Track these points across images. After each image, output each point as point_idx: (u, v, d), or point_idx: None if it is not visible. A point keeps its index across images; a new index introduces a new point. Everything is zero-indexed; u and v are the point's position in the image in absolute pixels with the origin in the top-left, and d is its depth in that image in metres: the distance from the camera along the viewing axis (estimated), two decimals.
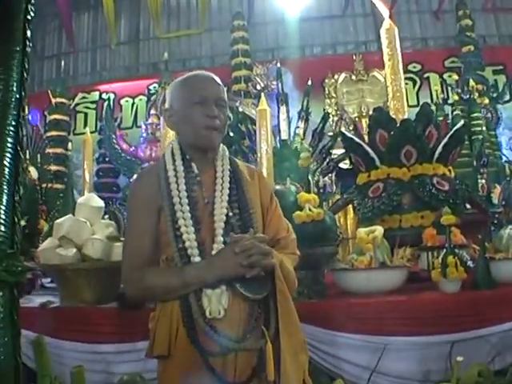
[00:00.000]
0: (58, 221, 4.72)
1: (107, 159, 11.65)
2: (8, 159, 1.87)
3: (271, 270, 2.45)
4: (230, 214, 2.57)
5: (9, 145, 1.87)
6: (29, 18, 2.07)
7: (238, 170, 2.72)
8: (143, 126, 12.06)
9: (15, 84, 1.94)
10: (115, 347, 4.04)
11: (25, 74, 1.99)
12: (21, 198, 1.89)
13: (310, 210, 4.02)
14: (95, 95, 15.95)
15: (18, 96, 1.93)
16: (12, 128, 1.89)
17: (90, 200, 4.89)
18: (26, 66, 2.01)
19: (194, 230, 2.47)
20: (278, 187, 4.42)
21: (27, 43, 2.04)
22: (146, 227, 2.55)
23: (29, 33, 2.07)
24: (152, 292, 2.50)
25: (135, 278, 2.50)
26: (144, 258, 2.52)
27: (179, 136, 2.72)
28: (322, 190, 6.05)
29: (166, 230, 2.50)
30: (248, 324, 2.46)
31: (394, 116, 5.37)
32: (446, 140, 5.00)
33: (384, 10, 5.84)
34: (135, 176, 2.78)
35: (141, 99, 15.36)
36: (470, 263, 4.22)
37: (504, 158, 9.30)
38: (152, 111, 11.97)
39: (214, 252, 2.47)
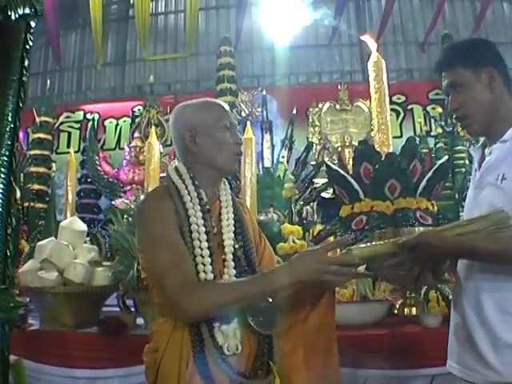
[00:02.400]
0: (40, 243, 4.72)
1: (89, 180, 11.59)
2: (0, 190, 1.84)
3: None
4: (236, 245, 2.58)
5: (2, 175, 1.84)
6: (27, 47, 2.07)
7: (237, 202, 2.76)
8: (126, 149, 12.03)
9: (10, 114, 1.91)
10: (95, 373, 4.02)
11: (20, 104, 1.97)
12: (13, 230, 1.85)
13: (293, 241, 4.05)
14: (79, 115, 15.88)
15: (12, 126, 1.91)
16: (5, 158, 1.85)
17: (73, 223, 4.90)
18: (22, 96, 1.99)
19: (210, 261, 2.44)
20: (261, 218, 4.43)
21: (24, 72, 2.04)
22: (180, 241, 2.45)
23: (27, 62, 2.06)
24: (215, 303, 2.33)
25: (195, 291, 2.34)
26: (192, 270, 2.41)
27: (198, 157, 2.64)
28: (304, 221, 6.05)
29: None
30: (258, 359, 2.46)
31: (378, 149, 5.38)
32: (430, 174, 5.02)
33: (372, 44, 5.86)
34: (145, 198, 2.71)
35: (125, 121, 15.29)
36: (451, 297, 4.24)
37: None
38: (136, 134, 11.94)
39: None
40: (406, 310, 4.10)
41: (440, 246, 2.42)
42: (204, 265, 2.42)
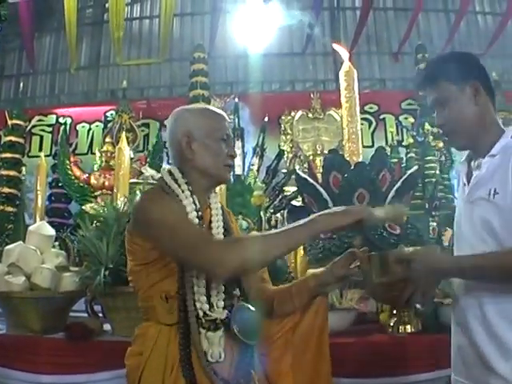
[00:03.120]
0: (8, 247, 4.69)
1: (60, 184, 11.53)
2: None
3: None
4: None
5: None
6: None
7: (225, 211, 2.82)
8: (98, 154, 11.98)
9: None
10: (61, 378, 4.00)
11: None
12: None
13: None
14: (52, 118, 15.71)
15: None
16: None
17: (42, 228, 4.87)
18: None
19: None
20: None
21: None
22: (189, 220, 2.52)
23: None
24: (271, 252, 2.40)
25: (228, 246, 2.40)
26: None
27: (192, 164, 2.67)
28: (273, 229, 6.06)
29: (171, 263, 2.47)
30: (240, 368, 2.49)
31: (348, 158, 5.42)
32: (399, 184, 5.05)
33: (344, 53, 5.89)
34: (144, 197, 2.68)
35: (97, 126, 15.13)
36: (419, 307, 4.26)
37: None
38: (107, 139, 11.89)
39: (213, 291, 2.50)
40: (400, 327, 4.11)
41: (439, 265, 2.46)
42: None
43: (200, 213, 2.59)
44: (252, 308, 2.57)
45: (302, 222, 2.44)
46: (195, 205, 2.58)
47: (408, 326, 4.12)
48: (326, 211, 2.53)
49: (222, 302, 2.53)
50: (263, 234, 2.49)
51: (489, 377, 2.50)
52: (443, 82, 2.75)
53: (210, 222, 2.67)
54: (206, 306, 2.46)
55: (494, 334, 2.50)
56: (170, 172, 2.69)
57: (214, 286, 2.50)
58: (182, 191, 2.59)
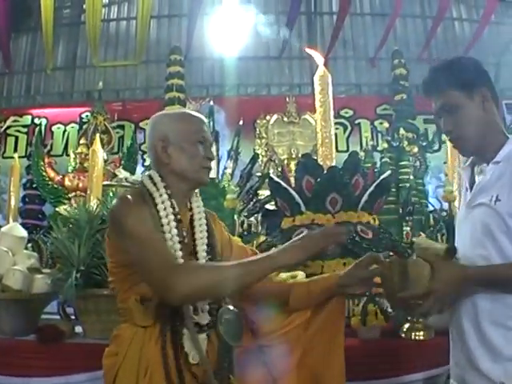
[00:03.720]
0: None
1: (34, 186, 11.48)
2: None
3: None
4: (206, 257, 2.65)
5: None
6: None
7: (207, 213, 2.82)
8: (72, 155, 11.95)
9: None
10: (32, 381, 3.99)
11: None
12: None
13: None
14: (27, 119, 15.57)
15: None
16: None
17: (14, 229, 4.85)
18: None
19: None
20: None
21: None
22: (162, 238, 2.50)
23: None
24: (208, 282, 2.36)
25: (184, 272, 2.37)
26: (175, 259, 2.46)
27: (170, 168, 2.69)
28: (245, 232, 6.06)
29: None
30: (218, 372, 2.50)
31: (322, 162, 5.42)
32: (372, 189, 5.06)
33: (319, 58, 5.90)
34: (121, 201, 2.67)
35: (73, 127, 15.02)
36: (390, 311, 4.29)
37: (430, 207, 9.44)
38: (82, 141, 11.86)
39: None
40: (413, 334, 4.13)
41: (464, 276, 2.48)
42: None
43: (178, 216, 2.61)
44: (236, 310, 2.59)
45: (264, 255, 2.50)
46: (173, 208, 2.61)
47: (421, 333, 4.13)
48: (290, 245, 2.54)
49: (207, 306, 2.57)
50: (223, 265, 2.45)
51: (481, 381, 2.54)
52: (451, 89, 2.79)
53: (192, 225, 2.70)
54: (190, 309, 2.49)
55: (487, 339, 2.53)
56: (149, 176, 2.71)
57: None
58: (160, 195, 2.61)
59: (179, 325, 2.45)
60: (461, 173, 3.06)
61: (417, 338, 4.09)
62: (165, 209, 2.58)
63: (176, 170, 2.68)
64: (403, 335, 4.13)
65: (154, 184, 2.66)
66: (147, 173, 2.79)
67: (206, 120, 2.86)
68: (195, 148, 2.68)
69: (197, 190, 2.80)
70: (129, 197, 2.64)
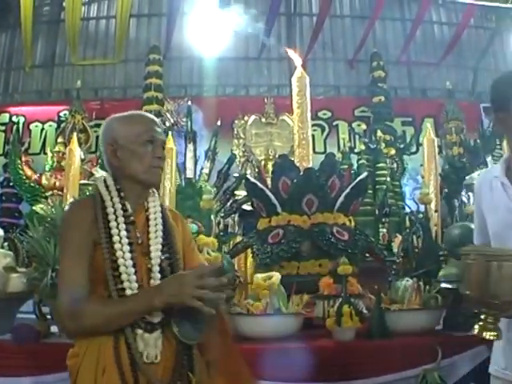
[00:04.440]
0: None
1: (11, 184, 11.42)
2: None
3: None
4: (162, 256, 2.62)
5: None
6: None
7: (166, 214, 2.79)
8: (49, 154, 11.89)
9: None
10: (7, 381, 3.96)
11: None
12: None
13: (208, 253, 4.06)
14: (5, 117, 15.46)
15: None
16: None
17: None
18: None
19: (134, 271, 2.49)
20: None
21: None
22: (83, 259, 2.50)
23: None
24: (94, 322, 2.40)
25: (77, 311, 2.40)
26: (83, 291, 2.46)
27: (121, 170, 2.69)
28: (221, 233, 6.07)
29: (101, 268, 2.48)
30: (177, 370, 2.49)
31: (298, 164, 5.45)
32: (348, 190, 5.09)
33: (297, 59, 5.92)
34: (68, 207, 2.72)
35: (50, 125, 14.97)
36: (365, 312, 4.31)
37: (407, 209, 9.46)
38: (60, 139, 11.80)
39: None
40: (486, 333, 4.12)
41: None
42: (128, 274, 2.48)
43: (131, 218, 2.62)
44: (193, 309, 2.58)
45: (144, 292, 2.48)
46: (125, 210, 2.62)
47: (493, 333, 4.11)
48: (165, 286, 2.48)
49: None
50: (108, 302, 2.46)
51: None
52: None
53: (148, 225, 2.68)
54: None
55: None
56: (104, 180, 2.73)
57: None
58: (111, 198, 2.63)
59: (133, 324, 2.46)
60: (495, 168, 3.01)
61: (490, 337, 4.10)
62: (114, 212, 2.59)
63: (126, 173, 2.68)
64: (475, 332, 4.11)
65: (107, 187, 2.68)
66: (103, 176, 2.79)
67: (157, 120, 2.85)
68: (144, 148, 2.67)
69: (166, 189, 2.82)
70: (76, 203, 2.77)
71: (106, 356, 2.41)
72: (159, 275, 2.56)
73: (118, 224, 2.57)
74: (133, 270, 2.49)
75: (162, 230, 2.69)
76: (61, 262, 2.60)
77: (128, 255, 2.51)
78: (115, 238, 2.52)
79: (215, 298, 2.42)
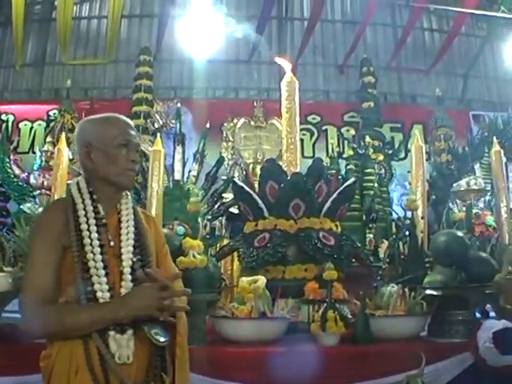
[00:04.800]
0: None
1: None
2: None
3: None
4: (134, 259, 2.61)
5: None
6: None
7: (139, 216, 2.79)
8: (38, 153, 11.85)
9: None
10: None
11: None
12: None
13: (193, 256, 4.06)
14: None
15: None
16: None
17: None
18: None
19: (104, 273, 2.48)
20: (164, 231, 4.42)
21: None
22: (50, 263, 2.49)
23: None
24: (59, 329, 2.41)
25: (41, 315, 2.41)
26: (48, 295, 2.45)
27: (94, 172, 2.68)
28: (207, 236, 6.07)
29: (71, 270, 2.47)
30: (150, 370, 2.50)
31: (286, 168, 5.46)
32: (335, 196, 5.10)
33: (286, 64, 5.93)
34: (41, 209, 2.73)
35: (40, 124, 14.97)
36: (350, 318, 4.32)
37: (394, 214, 9.47)
38: (48, 138, 11.76)
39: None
40: None
41: None
42: (99, 276, 2.47)
43: (103, 220, 2.62)
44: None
45: (110, 303, 2.47)
46: (97, 213, 2.62)
47: None
48: (130, 298, 2.48)
49: None
50: (74, 310, 2.45)
51: None
52: None
53: (120, 227, 2.68)
54: None
55: None
56: (77, 183, 2.73)
57: (123, 290, 2.53)
58: (83, 201, 2.63)
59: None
60: None
61: None
62: (86, 214, 2.59)
63: (100, 175, 2.68)
64: None
65: (79, 190, 2.67)
66: (77, 179, 2.78)
67: (131, 123, 2.84)
68: (117, 152, 2.67)
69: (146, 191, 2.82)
70: (48, 207, 2.80)
71: (78, 357, 2.41)
72: (130, 277, 2.55)
73: (89, 226, 2.57)
74: (103, 272, 2.49)
75: (134, 233, 2.69)
76: (28, 265, 2.61)
77: (99, 257, 2.51)
78: (86, 241, 2.52)
79: (179, 308, 2.52)
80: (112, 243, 2.60)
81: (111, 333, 2.42)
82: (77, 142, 2.76)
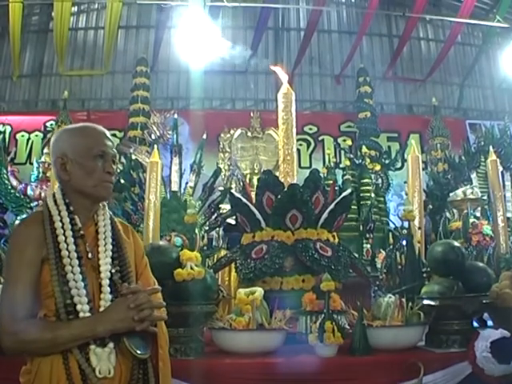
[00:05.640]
0: None
1: None
2: None
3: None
4: (113, 270, 2.57)
5: None
6: None
7: (117, 227, 2.74)
8: (35, 164, 11.85)
9: None
10: None
11: None
12: None
13: (191, 267, 4.06)
14: None
15: None
16: None
17: None
18: None
19: (83, 285, 2.44)
20: (161, 243, 4.42)
21: None
22: (27, 277, 2.44)
23: None
24: (37, 345, 2.36)
25: (17, 330, 2.34)
26: (26, 310, 2.40)
27: (70, 184, 2.61)
28: (205, 247, 6.08)
29: (50, 283, 2.42)
30: (134, 382, 2.47)
31: (283, 179, 5.46)
32: (332, 206, 5.10)
33: (283, 75, 5.94)
34: (17, 223, 2.70)
35: (37, 135, 15.03)
36: (347, 328, 4.31)
37: (391, 224, 9.46)
38: (46, 150, 11.77)
39: (101, 308, 2.45)
40: None
41: None
42: (78, 289, 2.43)
43: (81, 232, 2.57)
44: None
45: (87, 320, 2.42)
46: (74, 225, 2.58)
47: None
48: (107, 312, 2.46)
49: None
50: (52, 326, 2.43)
51: None
52: None
53: (97, 239, 2.64)
54: None
55: None
56: (53, 194, 2.67)
57: (102, 303, 2.49)
58: (59, 212, 2.58)
59: None
60: None
61: None
62: (63, 226, 2.54)
63: (75, 187, 2.62)
64: None
65: (55, 201, 2.61)
66: (53, 191, 2.74)
67: (107, 133, 2.77)
68: (94, 163, 2.61)
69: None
70: (25, 219, 2.68)
71: (59, 372, 2.36)
72: (109, 289, 2.51)
73: (66, 238, 2.51)
74: (82, 284, 2.44)
75: (111, 243, 2.65)
76: (5, 279, 2.52)
77: (77, 269, 2.46)
78: (63, 253, 2.47)
79: (157, 318, 2.49)
80: (90, 255, 2.56)
81: (92, 347, 2.39)
82: (52, 153, 2.71)
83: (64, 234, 2.51)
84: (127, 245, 2.73)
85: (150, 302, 2.43)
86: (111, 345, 2.41)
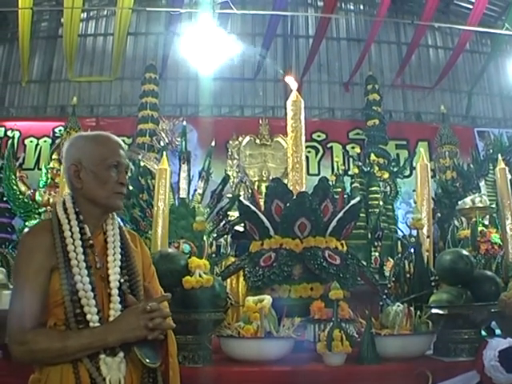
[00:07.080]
0: None
1: (4, 199, 11.38)
2: None
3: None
4: (122, 280, 2.56)
5: None
6: None
7: (125, 236, 2.74)
8: (44, 170, 11.88)
9: None
10: None
11: None
12: None
13: (199, 275, 4.05)
14: (0, 131, 15.55)
15: None
16: None
17: None
18: None
19: (93, 295, 2.43)
20: (170, 250, 4.42)
21: None
22: (36, 286, 2.43)
23: None
24: (46, 355, 2.35)
25: (27, 340, 2.34)
26: (35, 319, 2.40)
27: (82, 192, 2.61)
28: (213, 254, 6.08)
29: (60, 292, 2.41)
30: None
31: (292, 187, 5.45)
32: (340, 214, 5.09)
33: (293, 83, 5.93)
34: (26, 230, 2.67)
35: (45, 141, 15.09)
36: (356, 337, 4.30)
37: (399, 232, 9.44)
38: (54, 155, 11.79)
39: (111, 318, 2.45)
40: None
41: None
42: (87, 298, 2.42)
43: (90, 241, 2.57)
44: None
45: (98, 330, 2.41)
46: (83, 234, 2.56)
47: None
48: (117, 322, 2.46)
49: None
50: (61, 336, 2.42)
51: None
52: None
53: (106, 248, 2.63)
54: None
55: None
56: (63, 202, 2.66)
57: (111, 312, 2.49)
58: (69, 221, 2.57)
59: None
60: None
61: None
62: (72, 235, 2.53)
63: (87, 196, 2.61)
64: None
65: (66, 210, 2.60)
66: (62, 198, 2.71)
67: (122, 143, 2.79)
68: (108, 173, 2.62)
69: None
70: (34, 227, 2.69)
71: (69, 382, 2.36)
72: (119, 298, 2.51)
73: (76, 248, 2.51)
74: (92, 294, 2.43)
75: (120, 253, 2.65)
76: (14, 288, 2.55)
77: (86, 279, 2.45)
78: (73, 262, 2.46)
79: (168, 326, 2.48)
80: (99, 265, 2.56)
81: (102, 356, 2.38)
82: (65, 159, 2.69)
83: (73, 244, 2.50)
84: (135, 254, 2.73)
85: (161, 311, 2.43)
86: (121, 354, 2.40)
